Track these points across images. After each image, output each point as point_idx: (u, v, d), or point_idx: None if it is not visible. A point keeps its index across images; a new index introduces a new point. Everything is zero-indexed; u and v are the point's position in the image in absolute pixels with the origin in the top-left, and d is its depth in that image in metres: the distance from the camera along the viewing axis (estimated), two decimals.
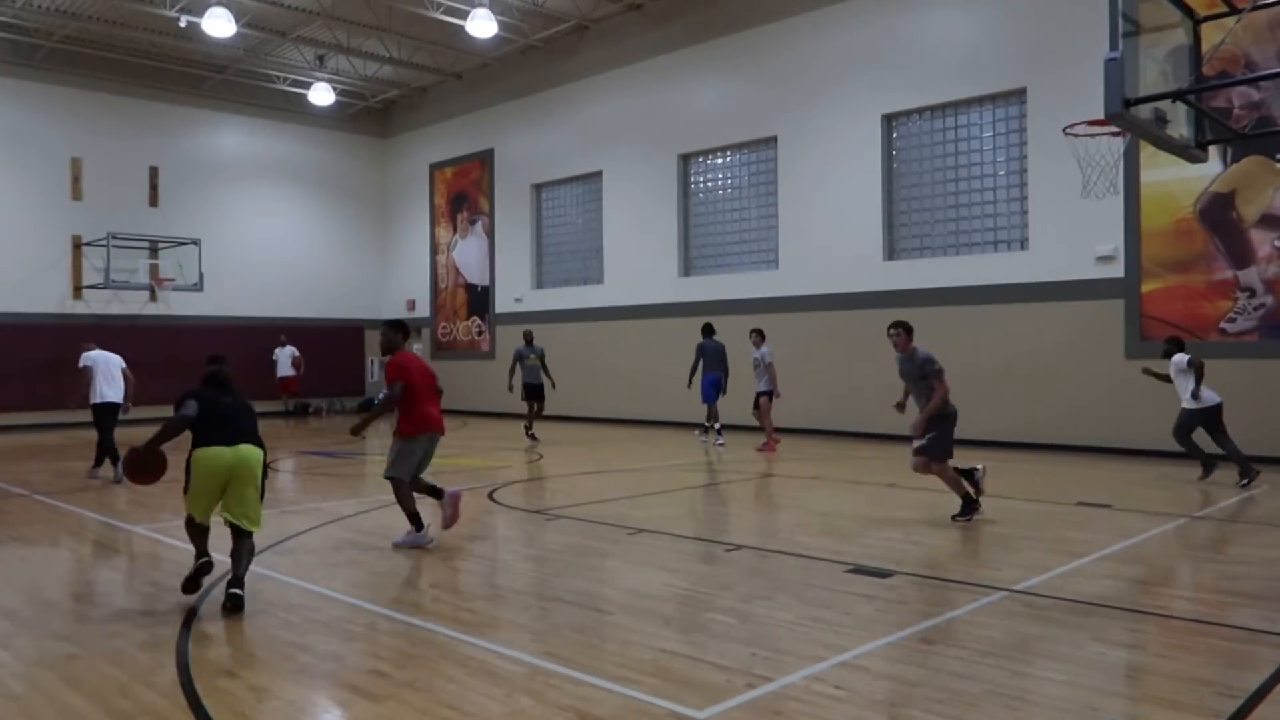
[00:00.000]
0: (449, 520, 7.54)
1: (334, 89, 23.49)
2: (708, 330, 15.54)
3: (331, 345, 24.96)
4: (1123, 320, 13.30)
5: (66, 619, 5.56)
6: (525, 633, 5.07)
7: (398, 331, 7.62)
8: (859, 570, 6.36)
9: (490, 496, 10.05)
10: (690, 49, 18.84)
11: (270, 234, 24.35)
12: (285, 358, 22.75)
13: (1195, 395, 10.54)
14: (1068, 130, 10.73)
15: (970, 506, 8.21)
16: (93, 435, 12.00)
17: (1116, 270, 13.40)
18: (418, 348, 26.10)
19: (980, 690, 4.11)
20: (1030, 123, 14.27)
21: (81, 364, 11.71)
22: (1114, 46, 6.35)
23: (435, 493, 7.62)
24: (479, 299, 23.80)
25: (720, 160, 18.74)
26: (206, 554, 5.80)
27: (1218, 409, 10.52)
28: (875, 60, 16.00)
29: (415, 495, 7.50)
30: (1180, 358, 10.74)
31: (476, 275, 23.91)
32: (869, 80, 16.07)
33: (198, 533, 5.83)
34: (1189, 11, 7.41)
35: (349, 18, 19.56)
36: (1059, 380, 13.87)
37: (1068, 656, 4.56)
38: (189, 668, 4.51)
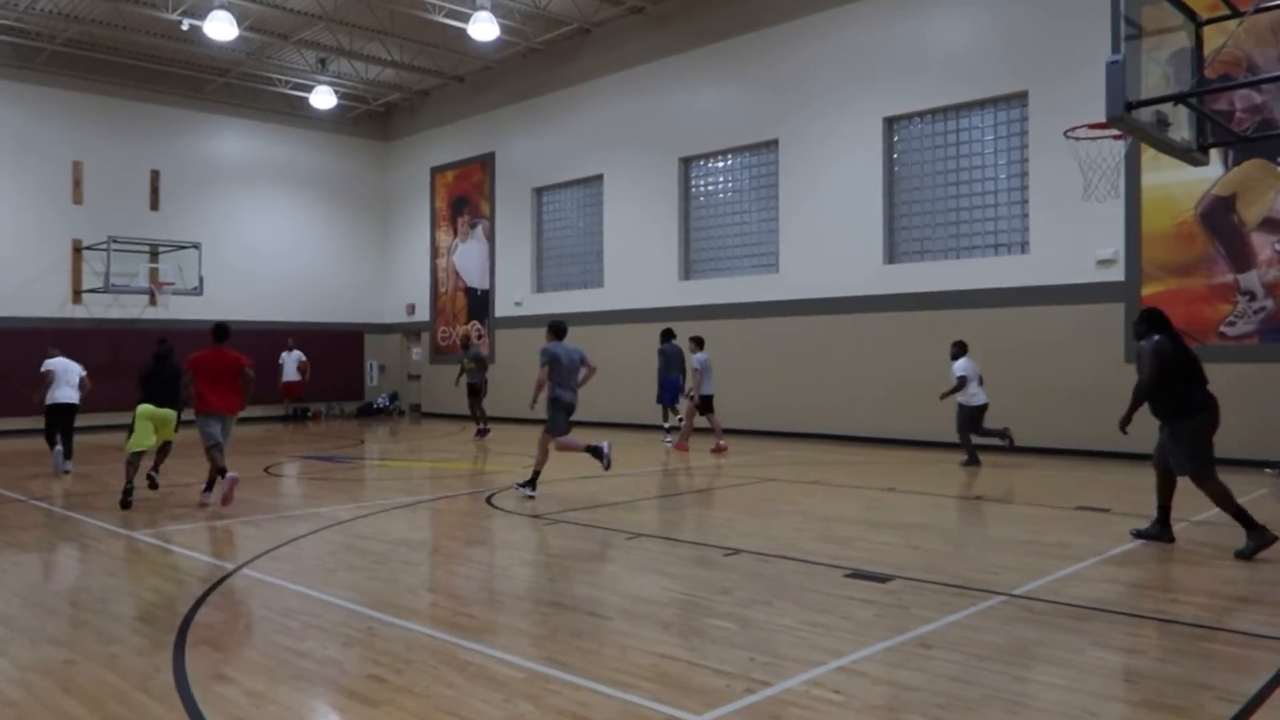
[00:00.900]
0: (224, 499, 9.57)
1: (335, 92, 23.52)
2: (667, 335, 15.97)
3: (331, 349, 24.96)
4: (1123, 324, 13.28)
5: (63, 624, 5.55)
6: (524, 638, 5.06)
7: (219, 338, 10.11)
8: (858, 575, 6.34)
9: (489, 501, 10.04)
10: (691, 52, 18.86)
11: (271, 238, 24.37)
12: (291, 362, 22.76)
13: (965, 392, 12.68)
14: (1069, 133, 10.74)
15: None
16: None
17: (1117, 274, 13.39)
18: (416, 351, 26.11)
19: (979, 695, 4.10)
20: (1031, 126, 14.27)
21: (43, 368, 13.17)
22: (1116, 49, 6.35)
23: (221, 471, 9.70)
24: (479, 303, 23.80)
25: (721, 164, 18.75)
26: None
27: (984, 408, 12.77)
28: (876, 63, 16.01)
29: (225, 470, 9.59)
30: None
31: (477, 279, 23.91)
32: (870, 83, 16.07)
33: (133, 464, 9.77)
34: (1191, 14, 7.41)
35: (351, 21, 19.58)
36: (1059, 384, 13.85)
37: (1067, 661, 4.54)
38: (186, 673, 4.50)
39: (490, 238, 23.53)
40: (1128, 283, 13.28)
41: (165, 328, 21.93)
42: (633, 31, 19.92)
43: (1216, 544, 7.59)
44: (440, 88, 24.41)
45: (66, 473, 12.77)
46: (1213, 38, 7.85)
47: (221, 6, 17.64)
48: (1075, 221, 13.56)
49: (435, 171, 25.20)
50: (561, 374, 10.35)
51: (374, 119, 26.48)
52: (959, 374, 12.65)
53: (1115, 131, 9.31)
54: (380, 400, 26.01)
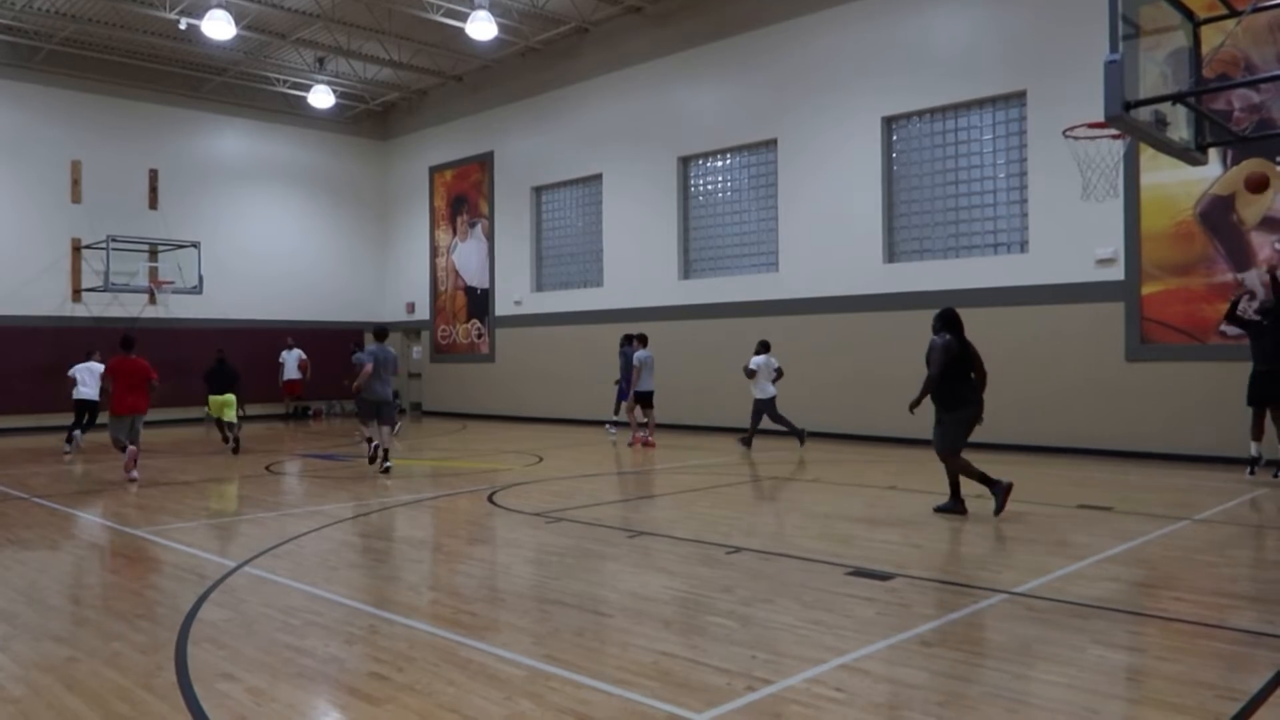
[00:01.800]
0: (125, 465, 11.69)
1: (334, 91, 23.50)
2: (629, 340, 16.69)
3: (331, 348, 24.92)
4: (1123, 323, 13.30)
5: (65, 622, 5.56)
6: (525, 636, 5.06)
7: (126, 347, 12.15)
8: (859, 573, 6.35)
9: (490, 499, 10.05)
10: (690, 51, 18.86)
11: (270, 237, 24.37)
12: (292, 361, 22.77)
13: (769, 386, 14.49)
14: (1068, 133, 10.74)
15: None
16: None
17: (1116, 273, 13.40)
18: (416, 350, 26.11)
19: (980, 693, 4.11)
20: (1030, 125, 14.28)
21: (70, 373, 15.85)
22: (1114, 49, 6.35)
23: (121, 448, 11.72)
24: (478, 302, 23.79)
25: (720, 163, 18.75)
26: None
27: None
28: (875, 63, 16.01)
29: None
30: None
31: (476, 278, 23.91)
32: (869, 83, 16.08)
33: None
34: (1189, 14, 7.42)
35: (349, 20, 19.58)
36: (1059, 383, 13.86)
37: (1068, 659, 4.55)
38: (188, 671, 4.50)
39: (489, 237, 23.53)
40: (1127, 282, 13.29)
41: (165, 327, 21.98)
42: (631, 30, 19.92)
43: (1217, 543, 7.60)
44: (439, 87, 24.40)
45: (66, 453, 15.22)
46: (1211, 37, 7.85)
47: (219, 5, 17.62)
48: (1074, 221, 13.57)
49: (434, 170, 25.20)
50: (376, 372, 13.14)
51: (372, 118, 26.47)
52: (752, 367, 14.52)
53: (1114, 131, 9.31)
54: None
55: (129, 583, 6.41)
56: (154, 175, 22.50)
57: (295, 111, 24.59)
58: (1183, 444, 12.70)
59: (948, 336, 8.74)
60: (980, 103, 15.04)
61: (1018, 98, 14.58)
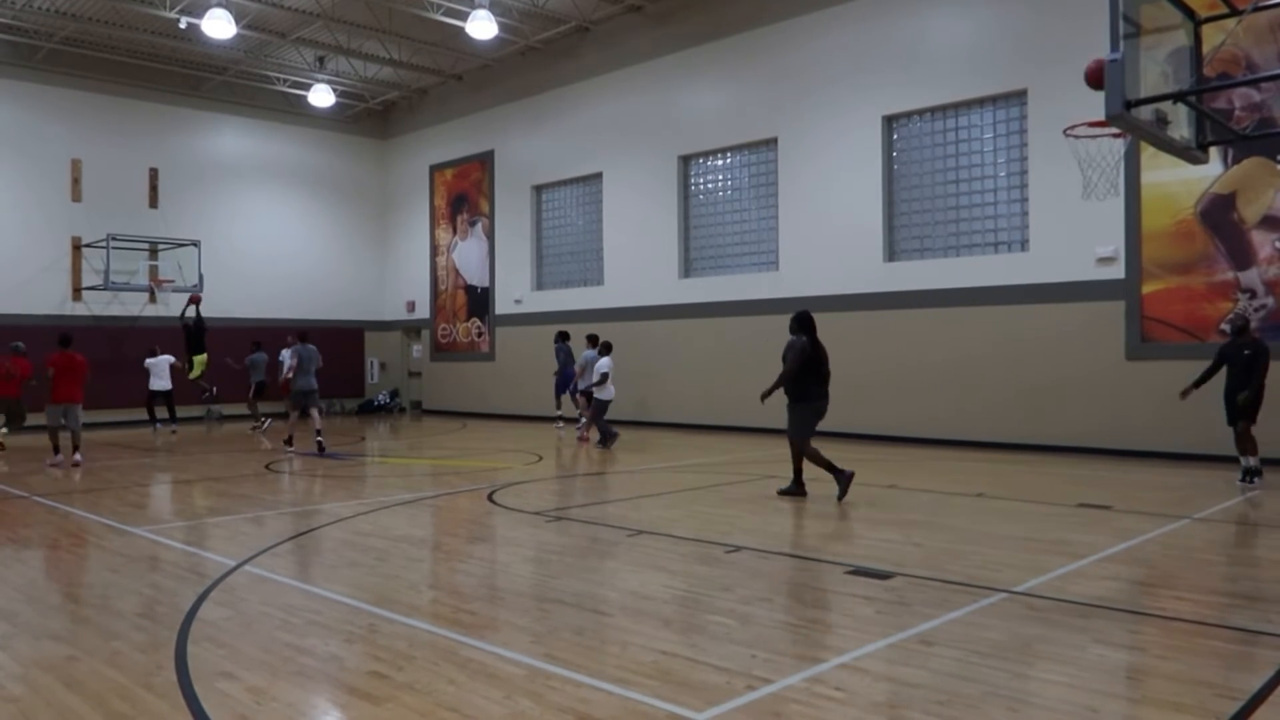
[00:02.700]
0: (55, 464, 13.15)
1: (334, 90, 23.50)
2: (563, 336, 17.90)
3: (331, 347, 24.88)
4: (1123, 322, 13.29)
5: (65, 621, 5.55)
6: (525, 634, 5.06)
7: (64, 344, 13.57)
8: (859, 572, 6.35)
9: (490, 498, 10.05)
10: (690, 50, 18.85)
11: (270, 236, 24.36)
12: (291, 360, 22.68)
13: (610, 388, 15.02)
14: (1068, 132, 10.73)
15: None
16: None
17: (1117, 271, 13.39)
18: (416, 349, 26.12)
19: (980, 692, 4.11)
20: (1031, 124, 14.27)
21: (145, 364, 18.69)
22: (1114, 48, 6.34)
23: (55, 449, 13.36)
24: (479, 300, 23.79)
25: (720, 162, 18.74)
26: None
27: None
28: (875, 62, 16.00)
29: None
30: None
31: (476, 277, 23.91)
32: (869, 82, 16.07)
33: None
34: (1190, 13, 7.41)
35: (349, 19, 19.57)
36: (1059, 382, 13.85)
37: (1068, 658, 4.55)
38: (188, 670, 4.50)
39: (490, 235, 23.53)
40: (1128, 280, 13.28)
41: (165, 326, 21.97)
42: (631, 29, 19.91)
43: (1217, 542, 7.60)
44: (439, 86, 24.40)
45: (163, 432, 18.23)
46: (1211, 36, 7.84)
47: (219, 4, 17.61)
48: (1075, 219, 13.56)
49: (434, 169, 25.19)
50: (301, 367, 15.00)
51: (373, 117, 26.46)
52: (602, 371, 14.92)
53: (1114, 130, 9.30)
54: (381, 397, 26.01)
55: (129, 582, 6.40)
56: (154, 174, 22.50)
57: (295, 110, 24.58)
58: (1183, 443, 12.69)
59: (803, 338, 9.70)
60: (980, 101, 15.03)
61: (1018, 96, 14.57)
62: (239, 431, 19.68)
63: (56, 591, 6.36)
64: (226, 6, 17.73)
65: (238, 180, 23.90)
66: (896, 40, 15.77)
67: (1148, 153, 12.58)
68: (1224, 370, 10.46)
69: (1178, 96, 7.02)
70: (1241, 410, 10.25)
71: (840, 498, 9.40)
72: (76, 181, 21.34)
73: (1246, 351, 10.26)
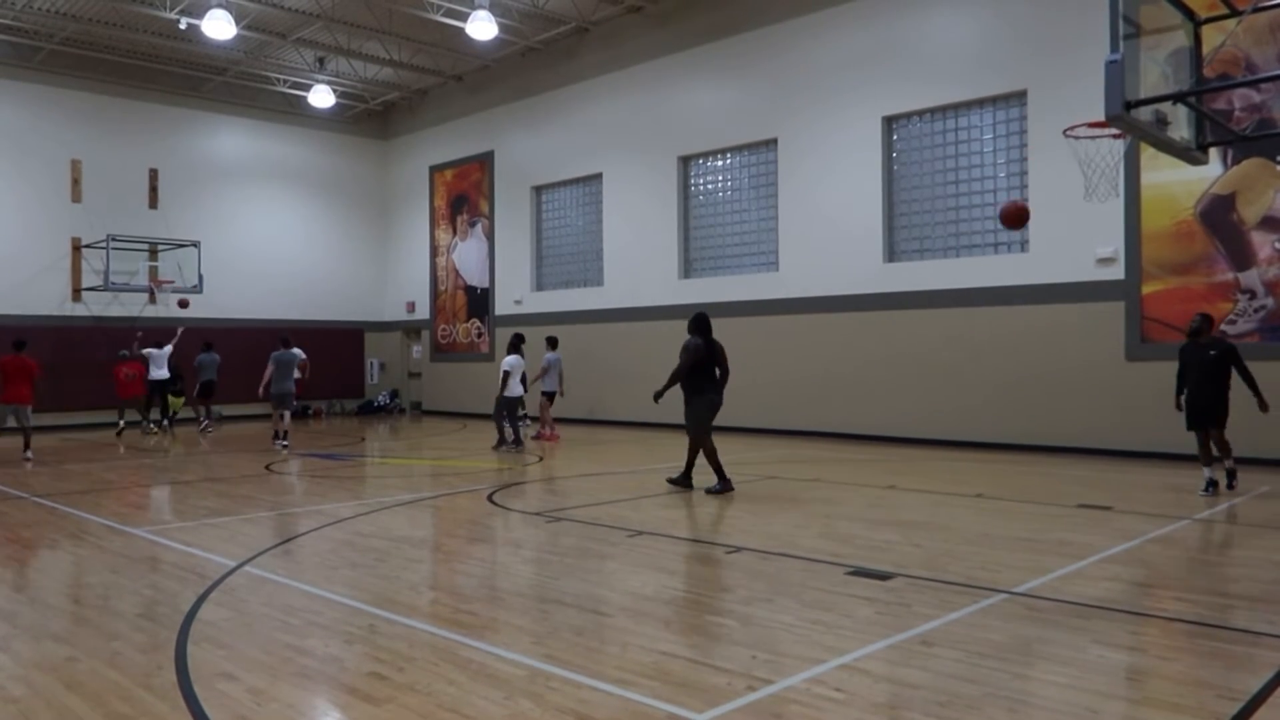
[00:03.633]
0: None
1: (334, 91, 23.51)
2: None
3: (331, 347, 24.94)
4: (1123, 322, 13.30)
5: (65, 621, 5.55)
6: (525, 635, 5.06)
7: (18, 348, 14.53)
8: (859, 572, 6.35)
9: (490, 499, 10.04)
10: (690, 51, 18.85)
11: (270, 236, 24.37)
12: (296, 353, 22.65)
13: (517, 386, 15.15)
14: (1068, 133, 10.72)
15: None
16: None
17: (1117, 272, 13.40)
18: (416, 349, 26.13)
19: (981, 693, 4.11)
20: (1030, 125, 14.28)
21: (145, 353, 18.97)
22: (1114, 49, 6.35)
23: (26, 446, 14.32)
24: (479, 301, 23.80)
25: (720, 162, 18.75)
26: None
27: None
28: (875, 62, 16.01)
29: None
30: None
31: (476, 277, 23.91)
32: (869, 82, 16.07)
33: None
34: (1189, 14, 7.42)
35: (349, 20, 19.57)
36: (1059, 382, 13.85)
37: (1068, 659, 4.55)
38: (188, 670, 4.50)
39: (490, 236, 23.53)
40: (1128, 281, 13.28)
41: (165, 326, 21.96)
42: (631, 30, 19.92)
43: (1217, 543, 7.60)
44: (439, 86, 24.40)
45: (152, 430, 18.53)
46: (1211, 37, 7.85)
47: (219, 5, 17.62)
48: (1075, 220, 13.56)
49: (434, 170, 25.20)
50: (279, 372, 15.76)
51: (373, 118, 26.47)
52: (504, 369, 15.14)
53: (1114, 130, 9.30)
54: (381, 398, 26.01)
55: (129, 582, 6.40)
56: (154, 175, 22.50)
57: (295, 111, 24.58)
58: (1183, 443, 12.64)
59: (697, 339, 10.16)
60: (980, 102, 15.03)
61: (1018, 97, 14.57)
62: (238, 432, 19.67)
63: (56, 592, 6.36)
64: (226, 7, 17.74)
65: (238, 181, 23.90)
66: (896, 41, 15.77)
67: (1148, 153, 12.58)
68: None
69: (1178, 97, 7.03)
70: (1210, 415, 9.71)
71: (709, 491, 10.02)
72: (76, 182, 21.34)
73: (1213, 352, 9.74)
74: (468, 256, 24.21)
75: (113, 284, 20.61)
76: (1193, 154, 7.73)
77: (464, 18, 18.59)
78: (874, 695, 4.13)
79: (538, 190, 22.49)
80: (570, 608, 5.59)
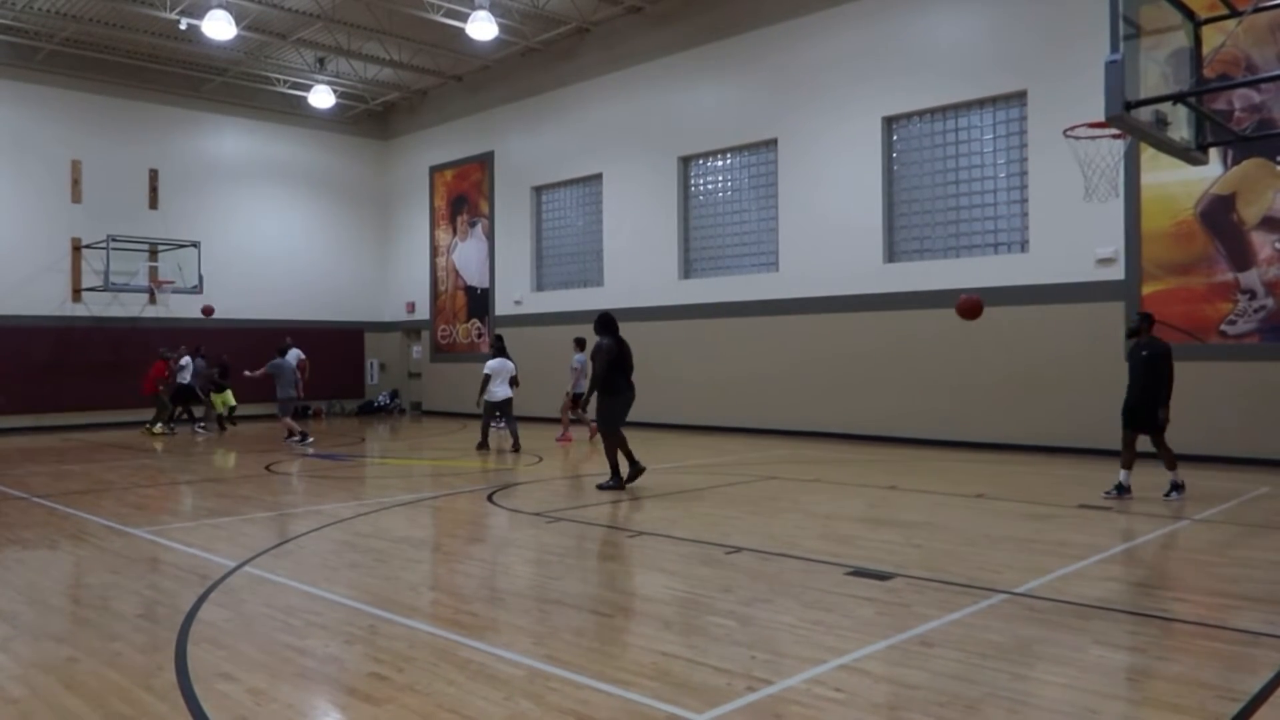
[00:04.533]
0: None
1: (334, 91, 23.51)
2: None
3: (331, 348, 24.95)
4: (1123, 323, 13.28)
5: (65, 622, 5.56)
6: (525, 636, 5.06)
7: None
8: (859, 573, 6.35)
9: (490, 499, 10.04)
10: (690, 51, 18.85)
11: (270, 236, 24.37)
12: (290, 360, 22.65)
13: (502, 389, 15.13)
14: (1068, 133, 10.73)
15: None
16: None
17: (1117, 272, 13.40)
18: (416, 349, 26.13)
19: (981, 693, 4.11)
20: (1030, 125, 14.28)
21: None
22: (1114, 49, 6.36)
23: None
24: (479, 301, 23.79)
25: (720, 163, 18.75)
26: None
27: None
28: (875, 63, 16.01)
29: None
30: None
31: (476, 278, 23.91)
32: (869, 83, 16.07)
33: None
34: (1190, 14, 7.42)
35: (349, 20, 19.57)
36: (1059, 382, 13.85)
37: (1068, 659, 4.55)
38: (188, 671, 4.50)
39: (489, 236, 23.53)
40: (1127, 281, 13.28)
41: (165, 326, 21.99)
42: (631, 30, 19.92)
43: (1217, 543, 7.60)
44: (439, 87, 24.40)
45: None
46: (1211, 37, 7.86)
47: (219, 6, 17.62)
48: (1074, 220, 13.56)
49: (434, 170, 25.20)
50: (283, 378, 16.57)
51: (373, 118, 26.47)
52: (484, 372, 15.23)
53: (1114, 131, 9.31)
54: (381, 398, 26.02)
55: (129, 583, 6.40)
56: (154, 175, 22.50)
57: (295, 111, 24.58)
58: (1182, 444, 12.65)
59: (608, 339, 10.32)
60: (980, 103, 15.03)
61: (1018, 98, 14.57)
62: (239, 432, 19.66)
63: (57, 593, 6.36)
64: (226, 8, 17.74)
65: (238, 181, 23.90)
66: (896, 41, 15.77)
67: (1147, 154, 12.59)
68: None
69: (1178, 97, 7.03)
70: (1149, 419, 9.37)
71: (600, 486, 10.41)
72: (76, 182, 21.34)
73: (1144, 354, 9.47)
74: (468, 257, 24.21)
75: (113, 284, 20.60)
76: (1193, 154, 7.73)
77: (464, 18, 18.59)
78: (874, 695, 4.13)
79: (538, 190, 22.49)
80: (570, 608, 5.59)
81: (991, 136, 15.00)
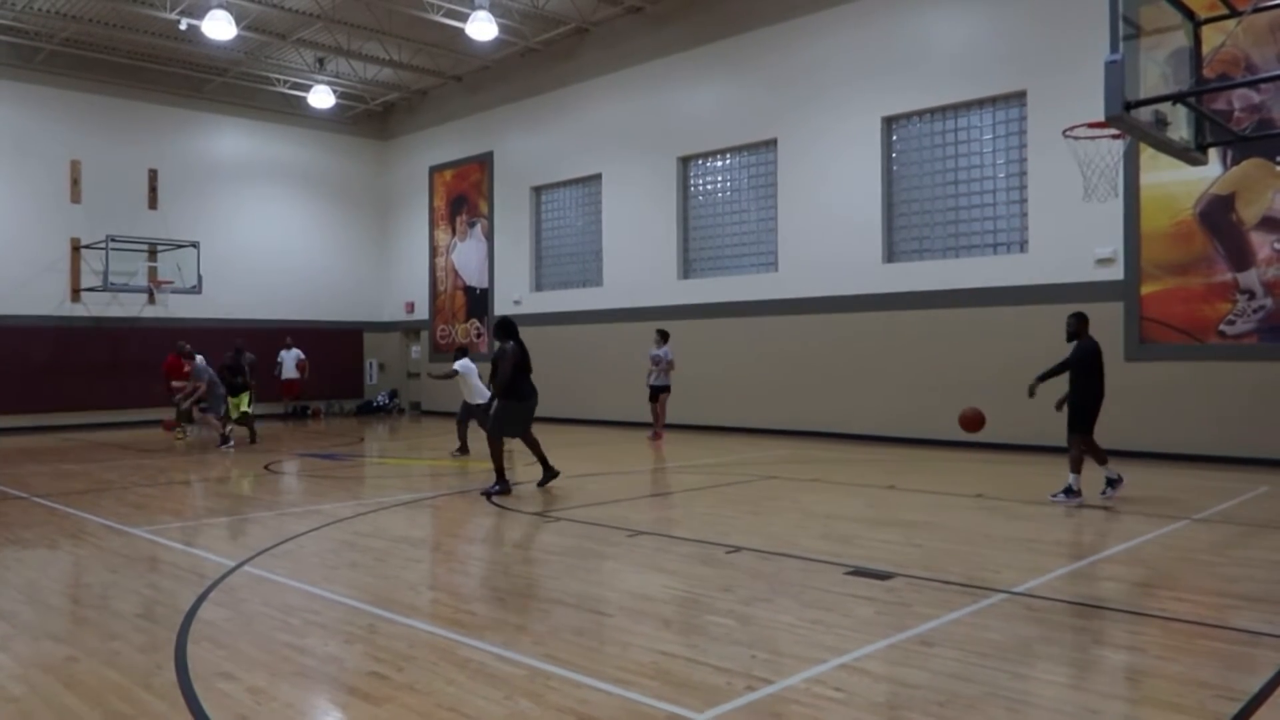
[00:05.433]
0: None
1: (334, 92, 23.50)
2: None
3: (330, 348, 24.96)
4: (1122, 323, 13.29)
5: (65, 621, 5.55)
6: (525, 635, 5.06)
7: None
8: (859, 572, 6.35)
9: (489, 499, 10.04)
10: (690, 51, 18.86)
11: (269, 237, 24.36)
12: (290, 360, 22.73)
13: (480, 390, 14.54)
14: (1067, 133, 10.74)
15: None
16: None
17: (1116, 273, 13.40)
18: (415, 349, 26.13)
19: (980, 693, 4.11)
20: (1030, 125, 14.28)
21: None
22: (1114, 49, 6.36)
23: None
24: (478, 301, 23.79)
25: (720, 163, 18.75)
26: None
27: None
28: (875, 63, 16.01)
29: None
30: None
31: (475, 278, 23.91)
32: (869, 83, 16.08)
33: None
34: (1189, 14, 7.42)
35: (349, 20, 19.57)
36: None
37: (1068, 659, 4.55)
38: (188, 670, 4.50)
39: (489, 236, 23.53)
40: (1127, 281, 13.28)
41: (165, 326, 21.98)
42: (631, 31, 19.92)
43: (1217, 543, 7.61)
44: (438, 87, 24.40)
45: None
46: (1211, 37, 7.87)
47: (220, 6, 17.62)
48: (1074, 220, 13.56)
49: (433, 170, 25.20)
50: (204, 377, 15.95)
51: (372, 118, 26.46)
52: (460, 370, 14.95)
53: (1114, 131, 9.32)
54: (380, 398, 26.01)
55: (129, 582, 6.40)
56: (154, 175, 22.49)
57: (295, 111, 24.58)
58: (1182, 444, 12.70)
59: (510, 343, 10.20)
60: (980, 103, 15.04)
61: (1018, 98, 14.57)
62: (237, 432, 19.64)
63: (56, 592, 6.36)
64: (226, 8, 17.74)
65: (237, 181, 23.89)
66: (896, 41, 15.78)
67: (1147, 154, 12.58)
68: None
69: (1177, 97, 7.03)
70: (1071, 420, 9.58)
71: (484, 492, 10.16)
72: (76, 182, 21.34)
73: (1076, 355, 9.69)
74: (467, 257, 24.21)
75: (112, 284, 20.59)
76: (1192, 154, 7.74)
77: (464, 18, 18.58)
78: (874, 695, 4.13)
79: (537, 190, 22.49)
80: (570, 607, 5.59)
81: (991, 136, 15.01)
